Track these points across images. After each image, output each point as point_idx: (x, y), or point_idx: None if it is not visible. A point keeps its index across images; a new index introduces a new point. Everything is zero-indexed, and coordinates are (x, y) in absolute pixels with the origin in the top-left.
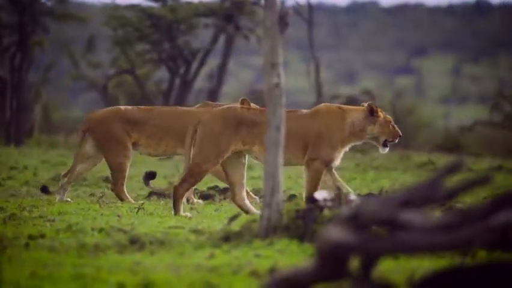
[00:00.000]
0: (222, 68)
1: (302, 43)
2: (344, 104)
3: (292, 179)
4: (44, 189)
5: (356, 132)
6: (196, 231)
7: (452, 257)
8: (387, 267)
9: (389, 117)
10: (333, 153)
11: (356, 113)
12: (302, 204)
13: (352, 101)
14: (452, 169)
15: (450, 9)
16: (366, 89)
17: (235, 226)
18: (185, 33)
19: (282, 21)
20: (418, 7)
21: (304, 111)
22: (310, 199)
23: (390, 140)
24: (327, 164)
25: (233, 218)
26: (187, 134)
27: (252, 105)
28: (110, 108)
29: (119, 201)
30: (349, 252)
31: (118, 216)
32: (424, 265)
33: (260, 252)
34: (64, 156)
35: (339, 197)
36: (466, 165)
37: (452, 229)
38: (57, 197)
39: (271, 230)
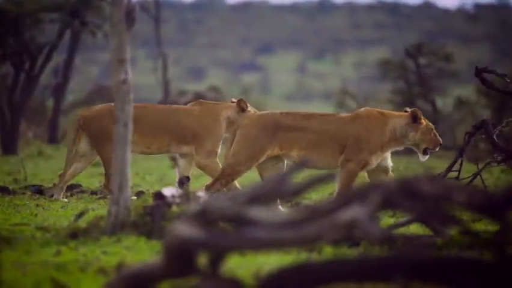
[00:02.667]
0: (68, 64)
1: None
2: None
3: (140, 176)
4: (38, 190)
5: (397, 138)
6: (42, 228)
7: (299, 253)
8: (234, 263)
9: (431, 124)
10: (369, 157)
11: (398, 119)
12: (150, 200)
13: (199, 97)
14: (299, 166)
15: (294, 7)
16: (213, 85)
17: (82, 223)
18: (31, 28)
19: (129, 17)
20: (262, 4)
21: (343, 115)
22: (158, 195)
23: (431, 148)
24: (363, 166)
25: (80, 215)
26: None
27: (249, 105)
28: (103, 105)
29: None
30: (197, 248)
31: None
32: (271, 261)
33: (107, 249)
34: None
35: (187, 194)
36: (312, 162)
37: (298, 225)
38: (54, 196)
39: (118, 226)
